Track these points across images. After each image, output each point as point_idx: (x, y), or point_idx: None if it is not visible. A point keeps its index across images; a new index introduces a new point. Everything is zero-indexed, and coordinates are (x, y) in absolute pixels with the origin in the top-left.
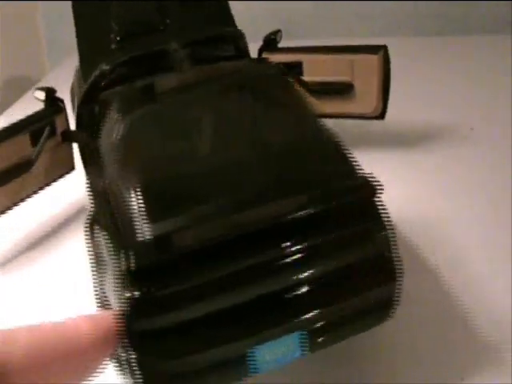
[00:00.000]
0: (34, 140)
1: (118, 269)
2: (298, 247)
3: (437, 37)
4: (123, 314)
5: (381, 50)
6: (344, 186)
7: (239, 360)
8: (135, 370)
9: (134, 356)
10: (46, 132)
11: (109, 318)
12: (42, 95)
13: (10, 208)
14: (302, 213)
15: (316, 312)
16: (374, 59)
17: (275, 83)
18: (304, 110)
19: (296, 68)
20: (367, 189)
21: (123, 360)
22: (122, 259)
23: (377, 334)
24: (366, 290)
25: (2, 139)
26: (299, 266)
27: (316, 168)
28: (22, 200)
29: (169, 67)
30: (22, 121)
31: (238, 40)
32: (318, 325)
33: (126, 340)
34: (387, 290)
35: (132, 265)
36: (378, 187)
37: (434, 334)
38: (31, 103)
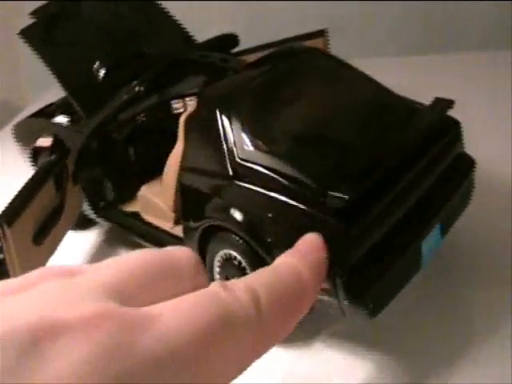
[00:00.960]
0: (58, 186)
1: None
2: (426, 163)
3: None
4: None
5: (322, 35)
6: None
7: (417, 256)
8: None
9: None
10: (65, 175)
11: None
12: (47, 142)
13: (50, 257)
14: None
15: (445, 206)
16: (320, 41)
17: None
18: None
19: None
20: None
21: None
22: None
23: None
24: (462, 182)
25: (35, 191)
26: (431, 175)
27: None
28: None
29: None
30: (42, 169)
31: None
32: (446, 216)
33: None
34: (472, 178)
35: (342, 203)
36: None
37: None
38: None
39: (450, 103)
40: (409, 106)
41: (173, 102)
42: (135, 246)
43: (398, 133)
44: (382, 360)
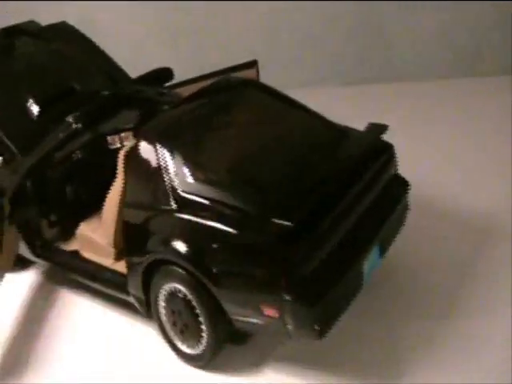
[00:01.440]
0: None
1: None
2: (362, 185)
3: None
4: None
5: (254, 65)
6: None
7: (359, 276)
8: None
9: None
10: (1, 216)
11: None
12: None
13: None
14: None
15: (383, 227)
16: (252, 72)
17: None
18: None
19: None
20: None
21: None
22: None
23: None
24: (398, 204)
25: None
26: (368, 196)
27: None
28: None
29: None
30: None
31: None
32: (383, 236)
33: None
34: (406, 200)
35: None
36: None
37: None
38: None
39: (383, 128)
40: (343, 132)
41: (109, 137)
42: (76, 284)
43: (333, 158)
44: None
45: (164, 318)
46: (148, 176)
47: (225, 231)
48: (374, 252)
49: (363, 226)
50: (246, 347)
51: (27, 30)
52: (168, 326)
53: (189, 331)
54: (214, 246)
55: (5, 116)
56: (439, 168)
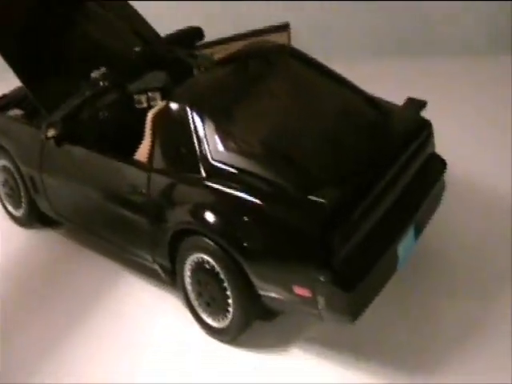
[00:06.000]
0: None
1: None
2: (400, 165)
3: None
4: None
5: (286, 28)
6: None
7: (394, 259)
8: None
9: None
10: None
11: None
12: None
13: None
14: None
15: (419, 209)
16: (284, 35)
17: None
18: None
19: None
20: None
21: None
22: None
23: None
24: (434, 184)
25: None
26: (406, 177)
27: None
28: None
29: None
30: None
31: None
32: (420, 217)
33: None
34: (443, 180)
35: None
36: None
37: None
38: None
39: (422, 104)
40: (383, 107)
41: (136, 96)
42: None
43: (373, 135)
44: (362, 364)
45: (189, 288)
46: (177, 141)
47: (258, 205)
48: (409, 234)
49: (400, 207)
50: (273, 324)
51: None
52: (193, 296)
53: (215, 304)
54: (246, 219)
55: (31, 73)
56: (471, 146)
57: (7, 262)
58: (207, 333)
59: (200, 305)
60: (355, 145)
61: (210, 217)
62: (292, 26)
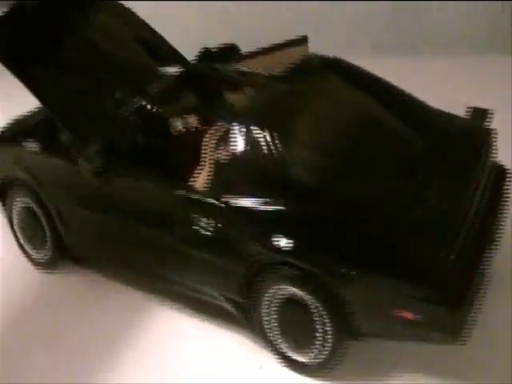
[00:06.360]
0: None
1: None
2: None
3: None
4: None
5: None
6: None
7: (484, 273)
8: None
9: None
10: None
11: None
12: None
13: None
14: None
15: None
16: (304, 49)
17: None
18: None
19: None
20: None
21: None
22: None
23: None
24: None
25: None
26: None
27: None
28: None
29: None
30: None
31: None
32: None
33: None
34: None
35: None
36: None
37: None
38: None
39: (487, 113)
40: (446, 119)
41: (171, 120)
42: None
43: (445, 150)
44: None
45: (269, 323)
46: (239, 162)
47: (354, 225)
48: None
49: (486, 222)
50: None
51: None
52: (275, 333)
53: (303, 337)
54: (342, 243)
55: (62, 103)
56: None
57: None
58: (292, 369)
59: (284, 340)
60: (432, 161)
61: (290, 242)
62: (288, 24)
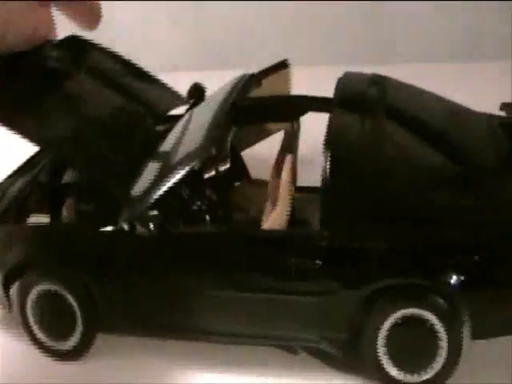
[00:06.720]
0: None
1: None
2: None
3: None
4: None
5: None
6: None
7: None
8: None
9: None
10: None
11: None
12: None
13: None
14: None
15: None
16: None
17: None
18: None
19: None
20: None
21: None
22: None
23: None
24: None
25: None
26: None
27: None
28: None
29: None
30: None
31: None
32: None
33: None
34: None
35: None
36: None
37: None
38: None
39: None
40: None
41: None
42: None
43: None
44: None
45: (386, 353)
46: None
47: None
48: None
49: None
50: None
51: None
52: (392, 363)
53: (421, 359)
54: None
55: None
56: None
57: None
58: None
59: (401, 369)
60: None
61: (412, 262)
62: (273, 31)
